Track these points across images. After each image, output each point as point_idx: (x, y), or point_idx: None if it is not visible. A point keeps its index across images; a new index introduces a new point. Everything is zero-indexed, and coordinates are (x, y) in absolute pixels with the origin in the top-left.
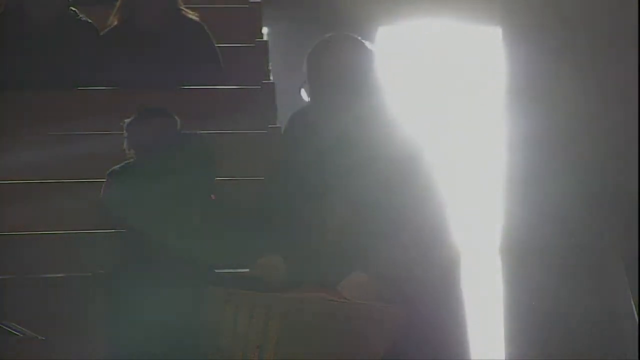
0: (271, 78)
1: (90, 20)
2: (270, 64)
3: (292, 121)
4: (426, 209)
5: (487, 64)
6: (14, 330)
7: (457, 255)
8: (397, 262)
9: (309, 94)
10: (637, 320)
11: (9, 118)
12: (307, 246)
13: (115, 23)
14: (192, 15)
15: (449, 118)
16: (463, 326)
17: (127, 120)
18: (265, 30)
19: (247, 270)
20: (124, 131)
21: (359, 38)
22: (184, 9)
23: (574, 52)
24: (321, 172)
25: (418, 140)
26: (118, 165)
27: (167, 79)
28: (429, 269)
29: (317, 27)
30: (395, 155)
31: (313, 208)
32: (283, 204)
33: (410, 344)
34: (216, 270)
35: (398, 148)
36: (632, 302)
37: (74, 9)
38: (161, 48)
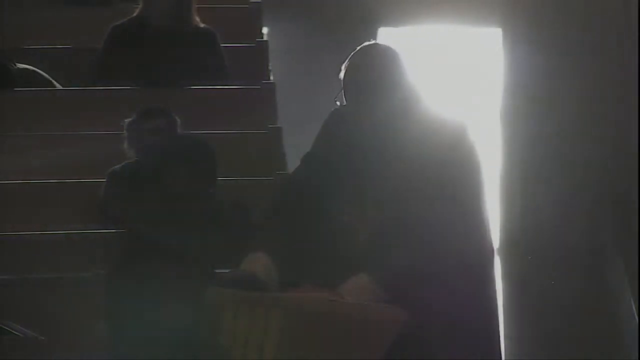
0: (271, 78)
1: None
2: (270, 64)
3: (332, 122)
4: (461, 206)
5: (488, 65)
6: (14, 330)
7: (492, 251)
8: (423, 259)
9: (345, 97)
10: (637, 320)
11: (8, 118)
12: (321, 245)
13: (135, 14)
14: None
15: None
16: (495, 323)
17: (127, 120)
18: (265, 30)
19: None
20: (124, 131)
21: (388, 45)
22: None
23: (574, 53)
24: (353, 170)
25: (454, 135)
26: (118, 165)
27: (168, 79)
28: (464, 265)
29: (317, 27)
30: (427, 152)
31: (341, 206)
32: (307, 200)
33: (434, 342)
34: (216, 270)
35: (430, 145)
36: (632, 302)
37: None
38: (167, 48)
